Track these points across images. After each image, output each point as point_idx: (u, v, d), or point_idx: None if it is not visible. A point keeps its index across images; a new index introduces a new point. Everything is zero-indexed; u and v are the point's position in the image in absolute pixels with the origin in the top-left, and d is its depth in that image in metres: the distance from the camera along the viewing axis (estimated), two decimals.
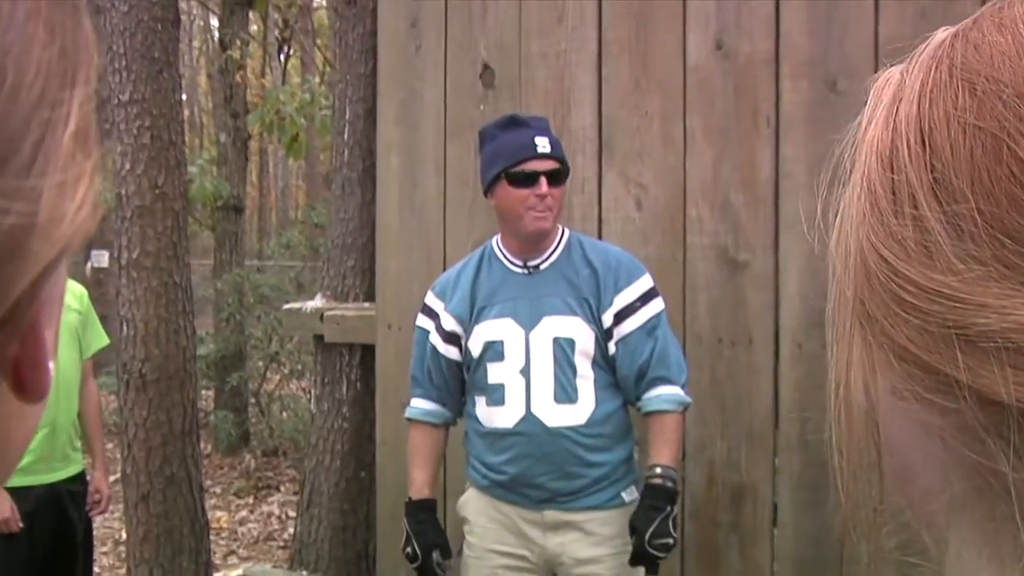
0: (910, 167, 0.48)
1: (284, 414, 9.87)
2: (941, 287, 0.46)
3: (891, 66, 0.57)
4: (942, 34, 0.53)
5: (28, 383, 0.38)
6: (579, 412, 3.00)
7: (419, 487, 3.21)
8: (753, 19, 3.70)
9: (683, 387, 3.05)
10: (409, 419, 3.26)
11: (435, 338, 3.19)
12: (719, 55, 3.76)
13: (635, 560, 2.92)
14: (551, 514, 3.05)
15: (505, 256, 3.14)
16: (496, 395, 3.07)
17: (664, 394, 3.01)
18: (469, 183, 4.12)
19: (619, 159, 3.93)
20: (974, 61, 0.48)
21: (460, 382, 3.21)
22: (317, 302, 5.05)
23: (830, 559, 3.62)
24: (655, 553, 2.90)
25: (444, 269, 4.26)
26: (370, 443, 4.86)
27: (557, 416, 3.00)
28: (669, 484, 2.95)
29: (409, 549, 3.14)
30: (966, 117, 0.47)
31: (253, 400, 10.10)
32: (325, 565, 5.04)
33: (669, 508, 2.93)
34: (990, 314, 0.44)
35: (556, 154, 3.01)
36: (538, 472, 3.02)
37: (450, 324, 3.17)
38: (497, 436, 3.08)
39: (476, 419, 3.14)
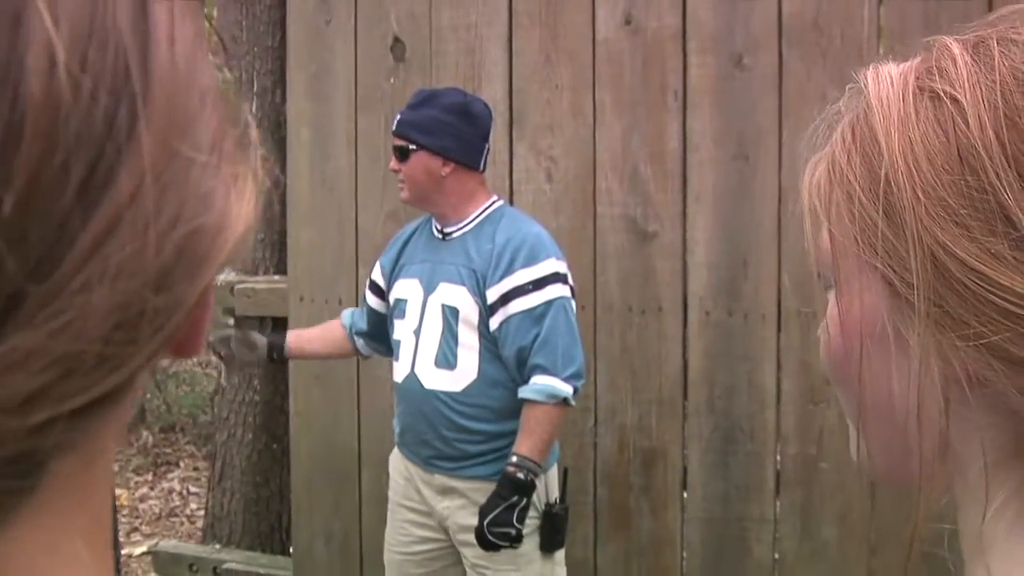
0: (1000, 183, 0.53)
1: (181, 389, 9.77)
2: None
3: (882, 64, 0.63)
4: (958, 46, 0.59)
5: (187, 346, 0.43)
6: (456, 379, 3.10)
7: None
8: None
9: (568, 379, 3.02)
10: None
11: (368, 281, 3.45)
12: (628, 30, 3.83)
13: (478, 540, 2.99)
14: (440, 478, 3.18)
15: (433, 222, 3.22)
16: (396, 350, 3.25)
17: (537, 384, 3.01)
18: (381, 156, 4.14)
19: (530, 132, 3.99)
20: None
21: (381, 329, 3.40)
22: (227, 275, 5.02)
23: (735, 517, 3.76)
24: (493, 540, 2.96)
25: (356, 241, 4.30)
26: (282, 415, 4.88)
27: (434, 379, 3.12)
28: (520, 475, 2.96)
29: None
30: None
31: None
32: (238, 538, 5.05)
33: (515, 498, 2.95)
34: None
35: (398, 131, 3.13)
36: (420, 429, 3.17)
37: (375, 273, 3.40)
38: (396, 389, 3.29)
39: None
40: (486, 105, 3.27)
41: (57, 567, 0.41)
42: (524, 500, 2.97)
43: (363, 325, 3.44)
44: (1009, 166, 0.53)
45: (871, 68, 0.62)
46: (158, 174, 0.37)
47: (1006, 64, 0.55)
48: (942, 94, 0.57)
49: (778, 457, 3.73)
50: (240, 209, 0.41)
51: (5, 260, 0.33)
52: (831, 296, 0.64)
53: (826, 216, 0.61)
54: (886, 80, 0.60)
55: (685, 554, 3.85)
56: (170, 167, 0.38)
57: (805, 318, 3.61)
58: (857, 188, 0.59)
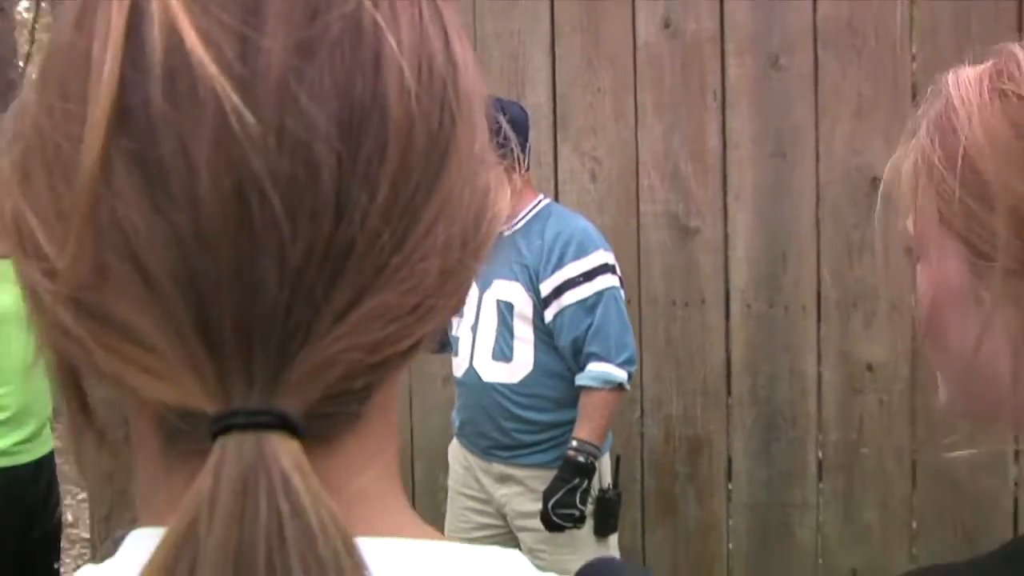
0: None
1: None
2: None
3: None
4: None
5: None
6: (513, 371, 3.23)
7: None
8: None
9: (622, 365, 3.17)
10: None
11: None
12: (667, 33, 3.96)
13: (543, 522, 3.13)
14: (498, 466, 3.31)
15: None
16: (456, 346, 3.37)
17: (592, 371, 3.16)
18: None
19: (573, 134, 4.12)
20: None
21: None
22: None
23: (779, 503, 3.87)
24: (558, 521, 3.10)
25: None
26: None
27: (492, 372, 3.26)
28: (581, 458, 3.10)
29: None
30: None
31: None
32: None
33: (577, 480, 3.09)
34: None
35: None
36: (478, 421, 3.29)
37: None
38: (456, 383, 3.41)
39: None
40: (522, 108, 3.39)
41: (376, 476, 0.53)
42: (585, 482, 3.11)
43: None
44: None
45: (951, 72, 0.76)
46: (466, 170, 0.49)
47: None
48: (1010, 92, 0.71)
49: (820, 444, 3.85)
50: (502, 200, 0.54)
51: (381, 235, 0.45)
52: (920, 269, 0.76)
53: (913, 198, 0.74)
54: (964, 82, 0.74)
55: (730, 540, 3.97)
56: (470, 164, 0.50)
57: (844, 309, 3.72)
58: (940, 167, 0.72)
